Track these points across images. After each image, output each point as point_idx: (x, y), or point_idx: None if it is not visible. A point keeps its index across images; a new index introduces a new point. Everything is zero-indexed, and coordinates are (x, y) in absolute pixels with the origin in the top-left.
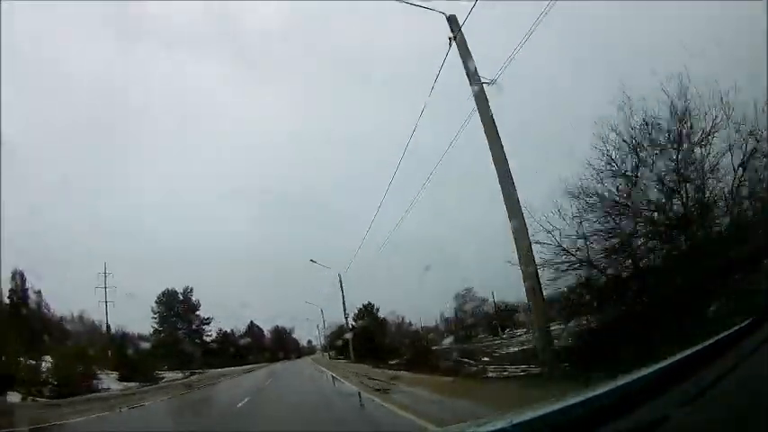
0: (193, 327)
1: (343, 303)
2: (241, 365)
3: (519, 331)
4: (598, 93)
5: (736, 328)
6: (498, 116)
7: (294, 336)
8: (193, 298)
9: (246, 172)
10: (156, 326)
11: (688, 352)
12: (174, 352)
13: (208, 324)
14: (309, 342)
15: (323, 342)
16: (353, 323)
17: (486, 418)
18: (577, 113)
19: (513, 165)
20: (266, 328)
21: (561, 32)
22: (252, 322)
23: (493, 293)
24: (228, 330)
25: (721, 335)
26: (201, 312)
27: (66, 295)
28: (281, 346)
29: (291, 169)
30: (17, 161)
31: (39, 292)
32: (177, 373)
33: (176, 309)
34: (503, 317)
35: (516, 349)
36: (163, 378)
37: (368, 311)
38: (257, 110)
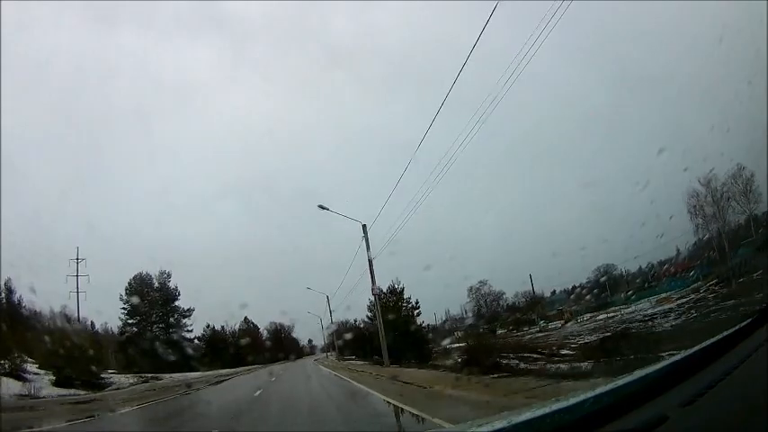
0: (171, 320)
1: (371, 267)
2: (231, 367)
3: (552, 324)
4: None
5: (736, 328)
6: None
7: (293, 335)
8: (171, 285)
9: (242, 170)
10: (125, 318)
11: (688, 352)
12: (145, 351)
13: (188, 316)
14: (310, 341)
15: (327, 339)
16: (369, 315)
17: (487, 417)
18: None
19: None
20: (263, 326)
21: None
22: (246, 318)
23: (531, 276)
24: (219, 327)
25: (721, 335)
26: (181, 303)
27: (63, 295)
28: (279, 345)
29: (289, 168)
30: (9, 164)
31: (8, 285)
32: (130, 377)
33: (150, 297)
34: (521, 309)
35: (593, 338)
36: (110, 384)
37: (394, 296)
38: (256, 107)
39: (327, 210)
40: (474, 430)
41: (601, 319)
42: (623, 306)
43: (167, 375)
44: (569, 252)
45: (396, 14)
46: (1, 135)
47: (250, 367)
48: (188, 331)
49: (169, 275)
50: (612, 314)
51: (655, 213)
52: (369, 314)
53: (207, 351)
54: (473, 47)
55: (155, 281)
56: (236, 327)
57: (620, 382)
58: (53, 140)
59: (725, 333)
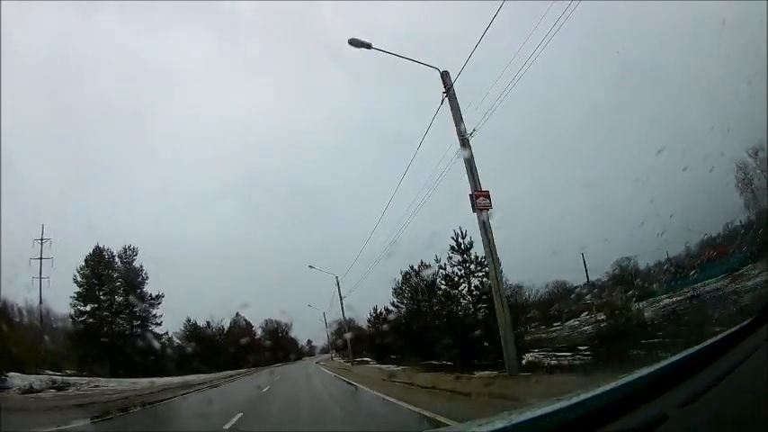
0: (137, 311)
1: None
2: (214, 371)
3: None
4: None
5: (737, 327)
6: None
7: (292, 335)
8: (137, 264)
9: (242, 170)
10: (76, 305)
11: (688, 352)
12: (96, 347)
13: (157, 304)
14: (309, 342)
15: (330, 336)
16: (395, 302)
17: (487, 417)
18: None
19: None
20: (257, 324)
21: None
22: (238, 314)
23: (582, 255)
24: (203, 323)
25: (721, 335)
26: (149, 288)
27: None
28: (275, 345)
29: (290, 168)
30: (9, 164)
31: None
32: (38, 380)
33: (109, 280)
34: (548, 303)
35: None
36: (8, 388)
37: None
38: (256, 107)
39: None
40: (474, 430)
41: (668, 303)
42: (678, 290)
43: (97, 381)
44: (569, 251)
45: (396, 13)
46: (1, 135)
47: (236, 372)
48: (156, 324)
49: (135, 252)
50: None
51: (655, 212)
52: (395, 300)
53: (185, 351)
54: (474, 48)
55: (116, 260)
56: (223, 323)
57: (621, 381)
58: (53, 140)
59: (725, 332)
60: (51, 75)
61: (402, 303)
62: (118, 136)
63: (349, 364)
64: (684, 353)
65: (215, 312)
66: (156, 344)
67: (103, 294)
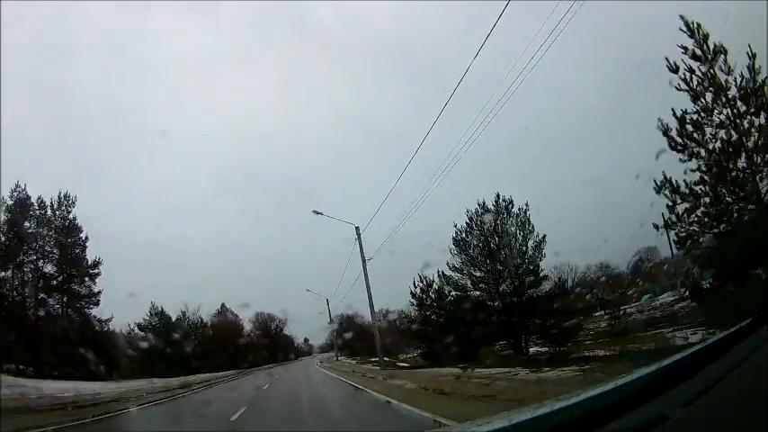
0: (74, 287)
1: None
2: (189, 373)
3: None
4: None
5: (737, 327)
6: None
7: (286, 332)
8: (74, 217)
9: (234, 167)
10: None
11: (688, 352)
12: (12, 335)
13: (94, 275)
14: (306, 341)
15: (333, 331)
16: (453, 264)
17: (487, 417)
18: None
19: None
20: (247, 318)
21: None
22: (224, 305)
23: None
24: (178, 313)
25: (721, 335)
26: (89, 255)
27: None
28: (268, 342)
29: (289, 168)
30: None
31: None
32: None
33: (33, 235)
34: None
35: None
36: None
37: None
38: (256, 107)
39: None
40: (474, 429)
41: None
42: None
43: None
44: (569, 251)
45: (396, 12)
46: (1, 135)
47: (206, 378)
48: (94, 304)
49: (72, 202)
50: None
51: (657, 212)
52: (453, 261)
53: (143, 347)
54: (479, 48)
55: (49, 211)
56: (200, 312)
57: (621, 381)
58: (53, 140)
59: (726, 332)
60: (51, 74)
61: (470, 263)
62: (118, 136)
63: (377, 367)
64: (684, 353)
65: (205, 305)
66: (90, 336)
67: (25, 256)
